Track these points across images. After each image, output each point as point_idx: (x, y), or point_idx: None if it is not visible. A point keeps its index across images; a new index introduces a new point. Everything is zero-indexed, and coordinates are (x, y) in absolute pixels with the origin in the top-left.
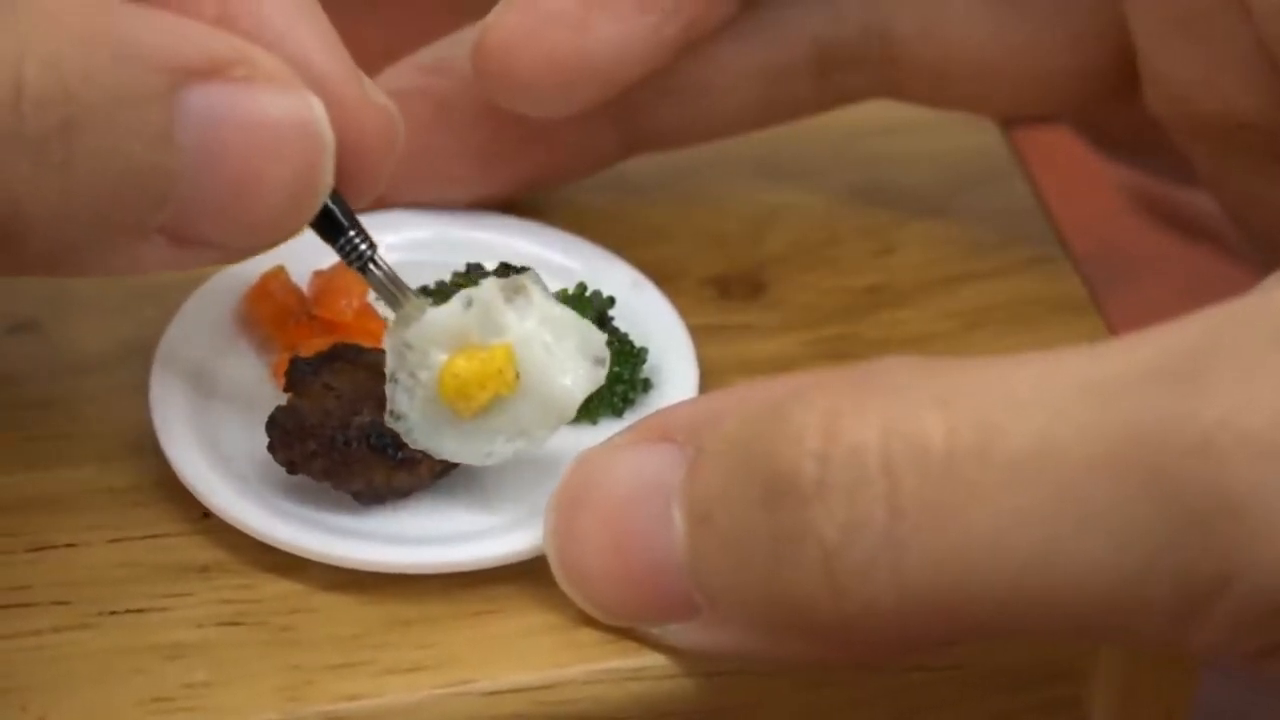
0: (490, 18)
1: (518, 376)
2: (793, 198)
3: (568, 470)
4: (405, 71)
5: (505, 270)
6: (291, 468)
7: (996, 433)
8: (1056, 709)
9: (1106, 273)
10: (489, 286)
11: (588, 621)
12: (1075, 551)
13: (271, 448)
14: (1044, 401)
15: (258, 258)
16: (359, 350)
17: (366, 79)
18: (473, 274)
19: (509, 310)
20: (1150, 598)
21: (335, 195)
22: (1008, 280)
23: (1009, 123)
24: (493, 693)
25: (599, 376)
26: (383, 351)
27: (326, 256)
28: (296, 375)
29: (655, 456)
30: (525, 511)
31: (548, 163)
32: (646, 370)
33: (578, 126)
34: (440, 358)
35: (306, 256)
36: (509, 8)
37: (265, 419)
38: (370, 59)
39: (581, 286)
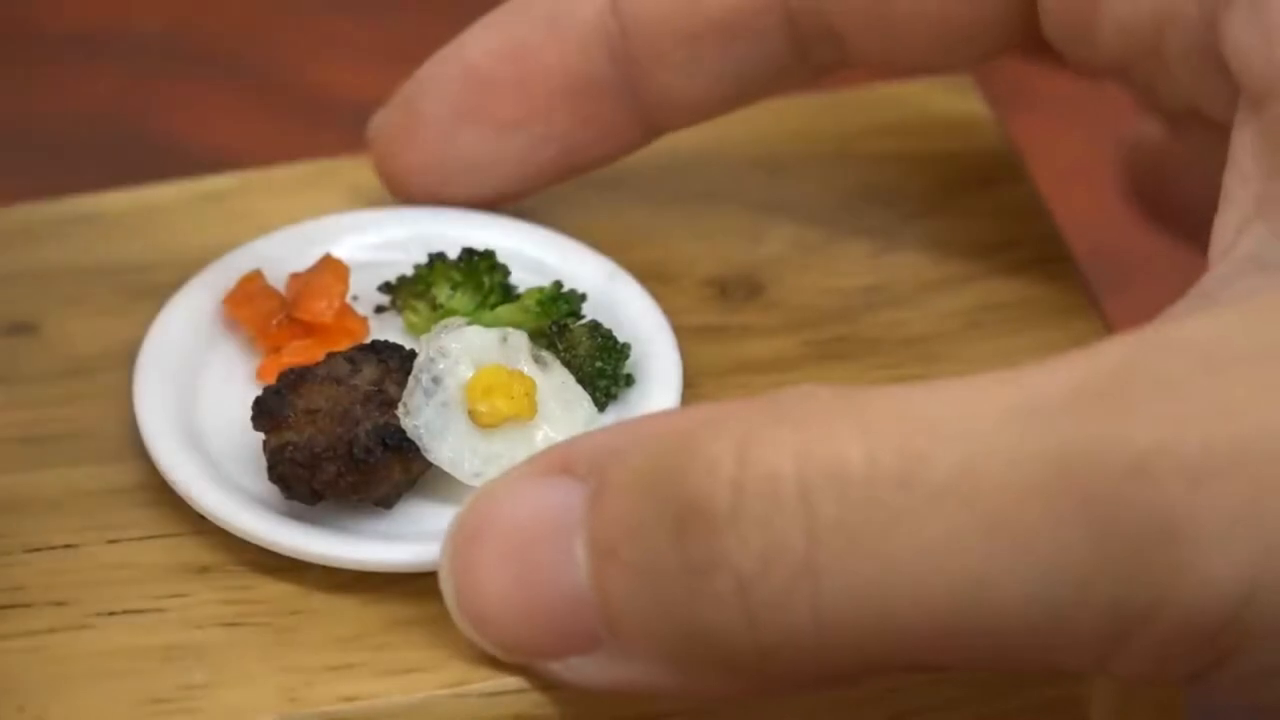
0: (378, 115)
1: (535, 412)
2: (791, 198)
3: (467, 502)
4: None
5: (469, 255)
6: (315, 499)
7: (919, 460)
8: (1056, 709)
9: (1106, 273)
10: (520, 334)
11: None
12: (1002, 581)
13: (286, 489)
14: (967, 427)
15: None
16: (309, 370)
17: None
18: (435, 264)
19: (535, 367)
20: (1079, 627)
21: None
22: (1007, 281)
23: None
24: (492, 694)
25: None
26: (330, 360)
27: (303, 259)
28: (269, 412)
29: (557, 490)
30: None
31: (576, 146)
32: (629, 365)
33: (599, 107)
34: (467, 372)
35: (284, 259)
36: (394, 107)
37: (252, 423)
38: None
39: (557, 285)
